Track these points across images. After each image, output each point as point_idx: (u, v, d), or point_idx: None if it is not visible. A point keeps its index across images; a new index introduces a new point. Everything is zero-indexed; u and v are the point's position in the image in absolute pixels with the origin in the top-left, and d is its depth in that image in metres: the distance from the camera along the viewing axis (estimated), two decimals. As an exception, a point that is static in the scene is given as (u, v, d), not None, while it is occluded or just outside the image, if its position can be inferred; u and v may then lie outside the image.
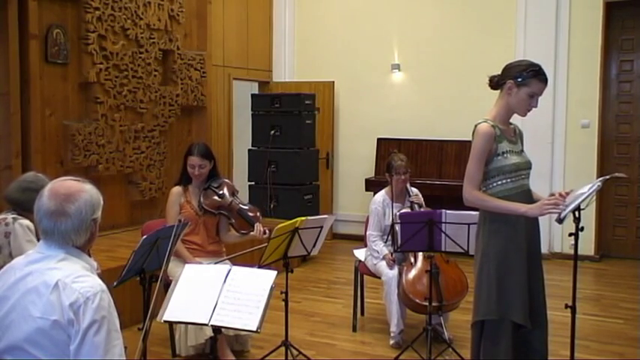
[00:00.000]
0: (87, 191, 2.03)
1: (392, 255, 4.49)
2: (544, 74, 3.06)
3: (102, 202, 2.09)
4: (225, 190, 4.35)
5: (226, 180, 4.46)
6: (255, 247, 4.12)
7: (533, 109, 3.12)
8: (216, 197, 4.31)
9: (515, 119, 3.28)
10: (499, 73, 3.17)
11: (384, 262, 4.54)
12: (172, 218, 4.11)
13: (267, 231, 4.14)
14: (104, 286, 1.95)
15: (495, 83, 3.17)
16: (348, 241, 7.43)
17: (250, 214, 4.33)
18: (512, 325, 3.04)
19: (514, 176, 3.10)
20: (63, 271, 1.93)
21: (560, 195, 2.97)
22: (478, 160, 3.06)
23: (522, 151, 3.23)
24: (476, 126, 3.12)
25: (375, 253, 4.62)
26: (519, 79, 3.04)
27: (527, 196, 3.14)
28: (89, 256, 2.09)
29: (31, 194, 3.27)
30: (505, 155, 3.08)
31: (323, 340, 4.61)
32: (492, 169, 3.08)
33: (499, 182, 3.09)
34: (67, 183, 2.04)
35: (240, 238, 4.43)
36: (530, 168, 3.20)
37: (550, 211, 2.98)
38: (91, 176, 5.86)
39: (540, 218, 3.04)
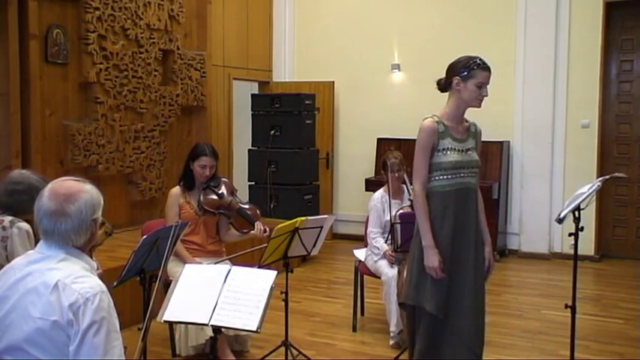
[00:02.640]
0: (87, 191, 2.03)
1: (392, 252, 4.50)
2: (485, 63, 3.20)
3: (102, 202, 2.08)
4: (224, 190, 4.36)
5: (225, 179, 4.47)
6: (256, 248, 4.12)
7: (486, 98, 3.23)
8: (215, 197, 4.31)
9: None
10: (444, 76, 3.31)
11: (384, 262, 4.55)
12: (172, 219, 4.11)
13: (267, 229, 4.15)
14: (104, 287, 1.95)
15: (443, 85, 3.32)
16: (348, 241, 7.43)
17: (250, 212, 4.33)
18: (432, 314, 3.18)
19: (451, 173, 3.19)
20: (63, 272, 1.93)
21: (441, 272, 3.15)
22: (421, 153, 3.20)
23: (470, 149, 3.26)
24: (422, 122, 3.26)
25: (375, 250, 4.63)
26: (464, 74, 3.18)
27: (465, 195, 3.22)
28: (90, 256, 2.09)
29: (19, 196, 3.18)
30: (445, 152, 3.19)
31: (323, 340, 4.61)
32: (432, 163, 3.20)
33: (437, 177, 3.21)
34: (68, 183, 2.04)
35: (241, 237, 4.43)
36: (475, 167, 3.25)
37: (430, 272, 3.15)
38: (91, 176, 5.86)
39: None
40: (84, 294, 1.88)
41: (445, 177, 3.19)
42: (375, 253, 4.65)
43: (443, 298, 3.16)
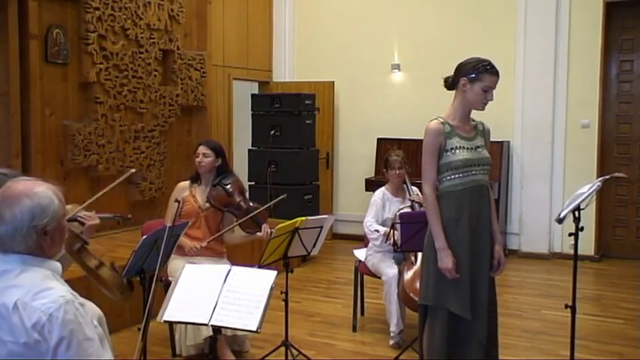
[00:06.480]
0: (32, 196, 1.87)
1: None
2: (494, 67, 3.16)
3: (55, 207, 1.90)
4: (235, 189, 4.35)
5: (237, 178, 4.45)
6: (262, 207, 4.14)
7: (490, 102, 3.21)
8: (224, 194, 4.32)
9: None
10: (452, 74, 3.26)
11: (384, 262, 4.54)
12: (170, 216, 4.09)
13: (273, 232, 4.15)
14: (68, 296, 1.84)
15: (450, 83, 3.28)
16: (348, 241, 7.42)
17: (258, 214, 4.32)
18: (450, 314, 3.15)
19: (463, 172, 3.17)
20: (21, 289, 1.82)
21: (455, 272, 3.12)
22: (429, 156, 3.19)
23: (479, 147, 3.24)
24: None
25: (374, 235, 4.57)
26: (472, 76, 3.15)
27: (479, 193, 3.20)
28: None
29: None
30: (453, 151, 3.17)
31: (323, 340, 4.61)
32: (442, 164, 3.18)
33: (448, 177, 3.18)
34: (20, 184, 1.90)
35: (244, 239, 4.45)
36: (486, 164, 3.23)
37: (448, 274, 3.11)
38: (91, 176, 5.88)
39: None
40: (46, 310, 1.79)
41: (457, 176, 3.16)
42: (373, 239, 4.61)
43: (468, 298, 3.14)
